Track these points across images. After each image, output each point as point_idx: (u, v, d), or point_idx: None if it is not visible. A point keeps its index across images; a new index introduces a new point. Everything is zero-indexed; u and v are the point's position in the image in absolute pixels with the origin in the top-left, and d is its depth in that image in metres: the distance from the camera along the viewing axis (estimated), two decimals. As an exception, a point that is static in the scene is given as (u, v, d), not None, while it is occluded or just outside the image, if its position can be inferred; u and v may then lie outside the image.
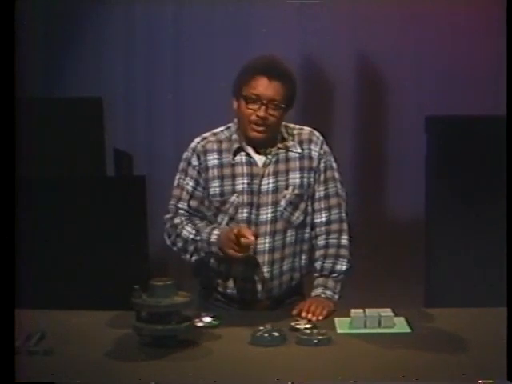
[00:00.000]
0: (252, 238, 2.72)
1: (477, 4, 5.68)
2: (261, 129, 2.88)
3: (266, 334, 2.58)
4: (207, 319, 2.77)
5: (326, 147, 3.03)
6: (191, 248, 2.93)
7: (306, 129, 3.04)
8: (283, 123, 2.99)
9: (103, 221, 4.35)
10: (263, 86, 2.84)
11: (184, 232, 2.94)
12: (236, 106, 2.93)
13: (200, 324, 2.73)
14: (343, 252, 3.00)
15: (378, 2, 5.82)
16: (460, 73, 5.75)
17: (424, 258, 4.97)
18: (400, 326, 2.75)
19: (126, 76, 5.90)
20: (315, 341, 2.56)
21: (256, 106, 2.85)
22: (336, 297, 2.96)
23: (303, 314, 2.83)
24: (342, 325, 2.75)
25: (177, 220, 2.97)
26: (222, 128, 3.02)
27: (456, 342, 2.60)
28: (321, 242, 3.01)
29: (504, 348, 2.36)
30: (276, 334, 2.58)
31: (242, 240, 2.72)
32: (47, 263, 4.25)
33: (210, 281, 3.02)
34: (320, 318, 2.82)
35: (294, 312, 2.86)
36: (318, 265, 3.00)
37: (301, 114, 5.25)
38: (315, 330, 2.62)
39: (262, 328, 2.60)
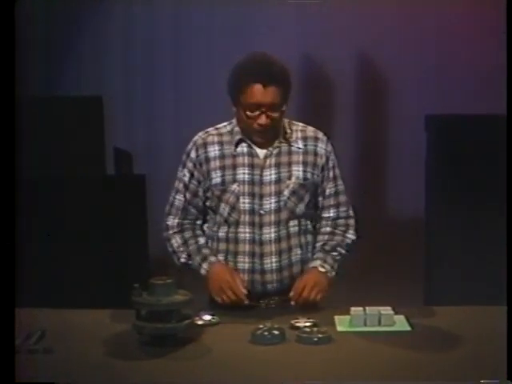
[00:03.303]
0: (245, 302, 2.84)
1: (477, 3, 5.69)
2: (264, 135, 2.92)
3: (266, 333, 2.58)
4: (207, 317, 2.77)
5: (330, 146, 3.06)
6: (180, 262, 3.02)
7: (310, 127, 3.07)
8: (287, 120, 3.02)
9: (103, 219, 4.36)
10: (260, 94, 2.84)
11: (173, 243, 3.03)
12: (235, 111, 2.95)
13: (200, 322, 2.74)
14: (347, 241, 3.05)
15: (378, 1, 5.82)
16: (460, 72, 5.76)
17: (424, 256, 4.97)
18: (400, 324, 2.75)
19: (126, 75, 5.90)
20: (315, 339, 2.56)
21: (256, 113, 2.86)
22: (333, 273, 2.98)
23: (294, 298, 2.86)
24: (341, 323, 2.75)
25: (169, 222, 3.04)
26: (224, 123, 3.05)
27: (456, 341, 2.60)
28: (326, 233, 3.04)
29: (504, 347, 2.36)
30: (276, 332, 2.58)
31: (233, 299, 2.85)
32: (47, 262, 4.25)
33: None
34: (311, 299, 2.86)
35: (291, 294, 2.89)
36: (319, 244, 3.03)
37: (301, 114, 5.27)
38: (315, 329, 2.62)
39: (261, 326, 2.60)
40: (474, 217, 4.68)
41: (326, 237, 3.04)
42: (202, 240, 3.03)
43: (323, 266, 2.96)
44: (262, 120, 2.86)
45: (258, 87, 2.84)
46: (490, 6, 5.44)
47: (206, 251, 2.99)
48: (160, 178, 5.40)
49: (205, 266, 2.95)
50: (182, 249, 3.01)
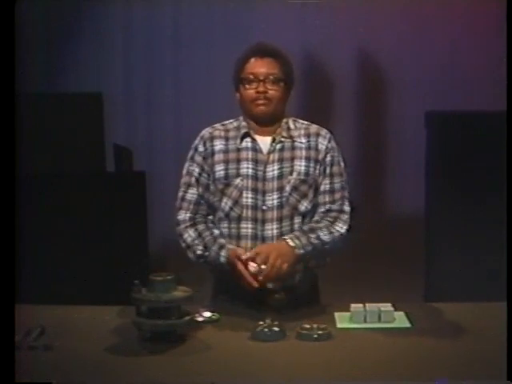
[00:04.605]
0: (262, 267, 2.75)
1: (477, 3, 5.70)
2: (263, 102, 2.94)
3: (266, 329, 2.58)
4: (207, 314, 2.77)
5: (333, 143, 3.05)
6: (195, 255, 2.96)
7: (315, 125, 3.08)
8: (292, 118, 3.04)
9: (103, 216, 4.36)
10: (256, 65, 2.96)
11: (187, 237, 2.97)
12: (238, 97, 3.00)
13: (200, 319, 2.74)
14: (332, 230, 2.93)
15: (378, 1, 5.83)
16: (460, 69, 5.76)
17: (424, 253, 4.97)
18: (400, 320, 2.75)
19: (126, 72, 5.91)
20: (315, 336, 2.57)
21: (254, 85, 2.94)
22: (301, 251, 2.84)
23: (257, 260, 2.75)
24: (341, 319, 2.75)
25: (181, 216, 3.01)
26: (231, 120, 3.07)
27: (456, 337, 2.60)
28: (313, 221, 2.96)
29: (504, 344, 2.35)
30: (276, 328, 2.58)
31: (252, 270, 2.76)
32: (47, 258, 4.26)
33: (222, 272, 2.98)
34: (277, 266, 2.74)
35: (249, 254, 2.78)
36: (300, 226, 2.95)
37: (300, 113, 5.26)
38: (315, 325, 2.62)
39: (262, 323, 2.60)
40: (474, 212, 4.68)
41: (313, 223, 2.94)
42: (216, 231, 2.98)
43: (293, 241, 2.84)
44: (260, 88, 2.93)
45: (254, 59, 2.97)
46: (490, 5, 5.45)
47: (222, 241, 2.93)
48: (160, 174, 5.42)
49: (223, 253, 2.88)
50: (197, 241, 2.96)
